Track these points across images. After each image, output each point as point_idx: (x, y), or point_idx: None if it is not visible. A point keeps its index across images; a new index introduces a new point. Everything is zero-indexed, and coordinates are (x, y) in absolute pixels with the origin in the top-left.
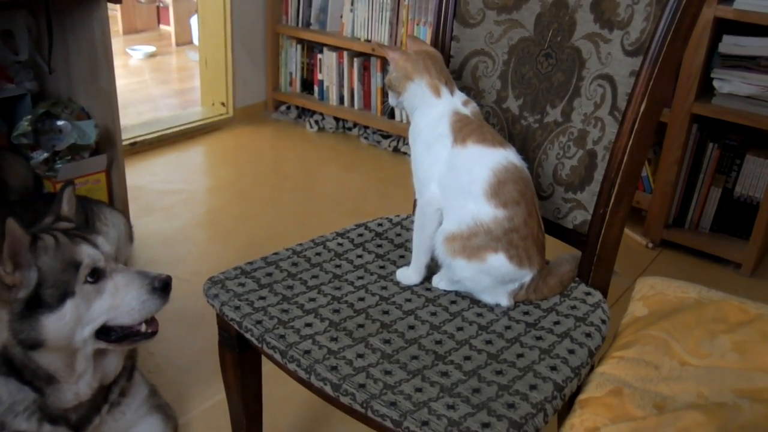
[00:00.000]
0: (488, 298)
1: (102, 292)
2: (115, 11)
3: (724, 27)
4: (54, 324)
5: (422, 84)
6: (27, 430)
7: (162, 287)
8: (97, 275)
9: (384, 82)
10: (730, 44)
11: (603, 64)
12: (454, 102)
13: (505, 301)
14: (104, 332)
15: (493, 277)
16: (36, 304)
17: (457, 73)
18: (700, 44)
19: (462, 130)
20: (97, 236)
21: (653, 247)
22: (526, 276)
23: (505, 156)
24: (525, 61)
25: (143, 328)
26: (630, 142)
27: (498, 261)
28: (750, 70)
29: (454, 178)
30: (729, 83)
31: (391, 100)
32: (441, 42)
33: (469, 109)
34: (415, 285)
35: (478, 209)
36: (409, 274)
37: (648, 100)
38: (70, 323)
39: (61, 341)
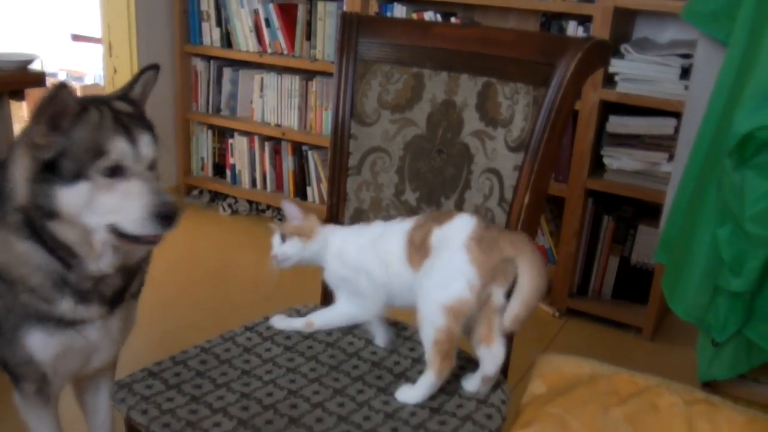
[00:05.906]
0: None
1: (113, 191)
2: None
3: (609, 108)
4: (65, 198)
5: None
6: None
7: (164, 216)
8: (116, 173)
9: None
10: (616, 124)
11: (489, 159)
12: None
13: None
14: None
15: None
16: (53, 171)
17: (356, 169)
18: (590, 125)
19: None
20: (148, 134)
21: (560, 316)
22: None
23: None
24: (419, 156)
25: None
26: (518, 230)
27: None
28: (635, 147)
29: None
30: (618, 160)
31: None
32: (340, 140)
33: None
34: (322, 376)
35: None
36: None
37: (531, 192)
38: (79, 204)
39: (73, 218)
